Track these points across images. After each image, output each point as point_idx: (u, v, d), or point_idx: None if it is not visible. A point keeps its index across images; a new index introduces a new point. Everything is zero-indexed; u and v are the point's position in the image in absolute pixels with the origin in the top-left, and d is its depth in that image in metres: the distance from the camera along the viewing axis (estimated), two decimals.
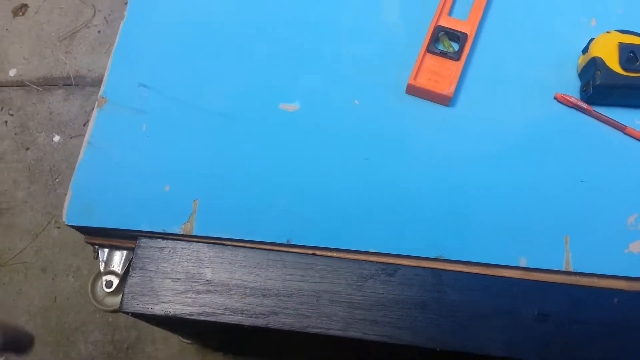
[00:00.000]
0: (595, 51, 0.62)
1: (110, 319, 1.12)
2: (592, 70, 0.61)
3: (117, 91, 0.65)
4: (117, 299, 0.64)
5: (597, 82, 0.60)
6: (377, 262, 0.57)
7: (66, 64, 1.39)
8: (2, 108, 1.35)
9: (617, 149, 0.61)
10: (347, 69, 0.66)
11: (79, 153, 0.63)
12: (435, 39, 0.66)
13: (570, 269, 0.56)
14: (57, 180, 1.26)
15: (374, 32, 0.68)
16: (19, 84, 1.37)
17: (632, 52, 0.61)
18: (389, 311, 0.56)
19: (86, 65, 1.38)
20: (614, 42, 0.62)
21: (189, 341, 1.04)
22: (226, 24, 0.69)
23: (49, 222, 1.22)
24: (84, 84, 1.36)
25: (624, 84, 0.60)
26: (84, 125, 1.29)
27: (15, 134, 1.32)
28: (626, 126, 0.62)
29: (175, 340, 1.10)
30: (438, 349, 0.54)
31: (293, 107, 0.64)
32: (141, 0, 0.70)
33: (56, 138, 1.31)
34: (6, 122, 1.33)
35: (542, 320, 0.55)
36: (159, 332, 1.12)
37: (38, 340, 1.12)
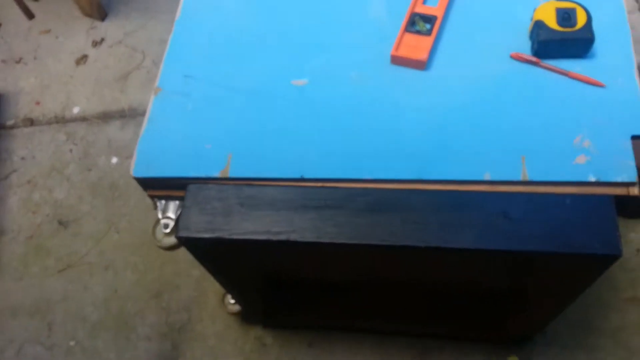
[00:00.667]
0: (538, 16, 0.78)
1: (164, 305, 1.29)
2: (536, 30, 0.77)
3: (168, 82, 0.85)
4: (172, 239, 0.81)
5: (540, 39, 0.76)
6: (372, 188, 0.73)
7: (121, 100, 1.63)
8: (68, 139, 1.59)
9: (563, 89, 0.76)
10: (345, 50, 0.84)
11: (141, 128, 0.82)
12: (412, 21, 0.84)
13: (527, 179, 0.70)
14: (116, 194, 1.47)
15: (365, 21, 0.86)
16: (81, 119, 1.62)
17: (566, 13, 0.77)
18: (383, 223, 0.70)
19: (138, 99, 1.63)
20: (552, 7, 0.78)
21: (235, 310, 1.18)
22: (247, 27, 0.88)
23: (110, 229, 1.42)
24: (136, 115, 1.59)
25: (560, 37, 0.75)
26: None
27: (79, 158, 1.54)
28: (568, 71, 0.76)
29: (221, 319, 1.25)
30: (423, 246, 0.68)
31: (302, 82, 0.82)
32: (184, 19, 0.91)
33: (114, 160, 1.53)
34: (71, 150, 1.57)
35: (506, 220, 0.68)
36: (206, 313, 1.27)
37: (102, 326, 1.29)
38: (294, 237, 0.71)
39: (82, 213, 1.45)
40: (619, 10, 0.81)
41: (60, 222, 1.44)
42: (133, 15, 1.84)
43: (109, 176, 1.50)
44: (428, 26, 0.83)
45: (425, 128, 0.75)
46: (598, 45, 0.77)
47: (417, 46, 0.81)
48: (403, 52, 0.81)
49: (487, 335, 1.21)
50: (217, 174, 0.76)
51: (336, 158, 0.75)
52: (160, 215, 0.80)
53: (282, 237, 0.71)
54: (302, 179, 0.74)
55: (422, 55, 0.80)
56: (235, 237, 0.72)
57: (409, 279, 0.89)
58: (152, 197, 0.81)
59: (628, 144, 0.70)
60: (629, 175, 0.68)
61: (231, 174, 0.75)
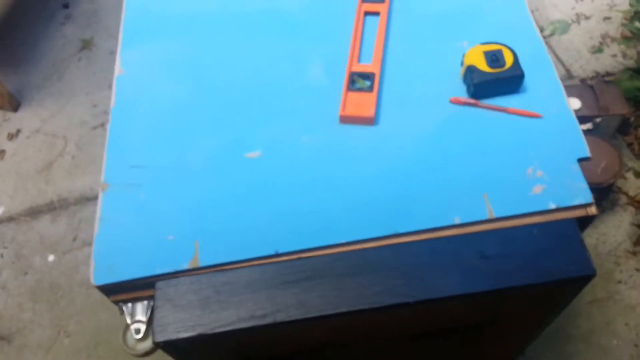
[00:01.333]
0: (468, 61, 0.82)
1: None
2: (469, 75, 0.82)
3: (114, 175, 0.81)
4: (147, 343, 0.75)
5: (475, 82, 0.80)
6: (349, 251, 0.72)
7: (47, 191, 1.53)
8: None
9: (505, 125, 0.80)
10: (293, 116, 0.84)
11: (94, 230, 0.77)
12: (352, 80, 0.86)
13: (494, 216, 0.72)
14: (59, 294, 1.36)
15: (307, 85, 0.87)
16: (8, 219, 1.50)
17: (494, 55, 0.82)
18: (367, 285, 0.69)
19: (66, 188, 1.54)
20: (480, 51, 0.83)
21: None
22: (189, 106, 0.87)
23: (59, 334, 1.30)
24: (67, 205, 1.50)
25: (493, 78, 0.80)
26: (74, 240, 1.42)
27: (12, 262, 1.42)
28: (507, 107, 0.81)
29: None
30: (412, 302, 0.68)
31: (256, 154, 0.81)
32: (120, 106, 0.88)
33: (50, 258, 1.42)
34: (2, 255, 1.44)
35: (483, 259, 0.70)
36: None
37: None
38: (280, 317, 0.68)
39: (25, 322, 1.33)
40: (538, 44, 0.87)
41: (2, 337, 1.30)
42: (48, 101, 1.76)
43: (48, 276, 1.39)
44: (368, 83, 0.86)
45: (389, 182, 0.76)
46: (528, 79, 0.82)
47: (362, 103, 0.83)
48: (350, 111, 0.82)
49: None
50: (186, 266, 0.72)
51: (308, 226, 0.73)
52: (129, 320, 0.75)
53: (269, 319, 0.68)
54: (277, 255, 0.72)
55: (369, 112, 0.82)
56: (218, 330, 0.68)
57: (395, 330, 0.89)
58: (116, 302, 0.76)
59: (577, 168, 0.74)
60: (585, 197, 0.72)
61: (202, 262, 0.72)
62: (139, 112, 0.87)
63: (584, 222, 0.73)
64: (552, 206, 0.72)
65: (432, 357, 1.16)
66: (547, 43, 1.90)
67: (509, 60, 0.81)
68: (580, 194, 0.72)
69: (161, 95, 0.89)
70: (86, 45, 1.96)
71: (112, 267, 0.73)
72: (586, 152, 0.76)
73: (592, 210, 0.72)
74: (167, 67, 0.92)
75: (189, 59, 0.92)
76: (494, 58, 0.81)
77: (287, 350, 0.92)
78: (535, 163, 0.76)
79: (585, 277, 0.68)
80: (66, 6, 2.09)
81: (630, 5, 1.53)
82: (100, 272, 0.72)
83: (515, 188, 0.74)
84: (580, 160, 0.76)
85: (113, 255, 0.74)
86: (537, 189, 0.74)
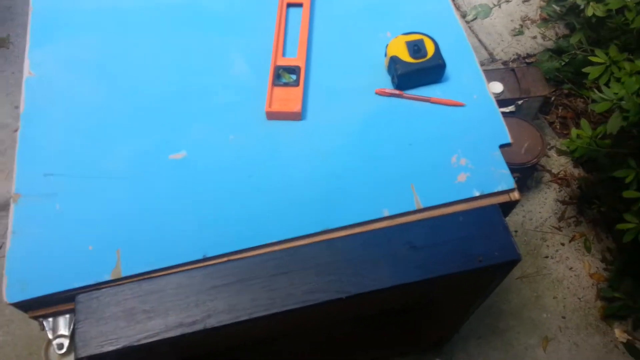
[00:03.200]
0: (391, 52, 0.82)
1: None
2: (393, 65, 0.82)
3: (26, 185, 0.75)
4: (70, 358, 0.71)
5: (398, 72, 0.81)
6: (280, 250, 0.71)
7: None
8: None
9: (429, 115, 0.81)
10: (218, 114, 0.81)
11: (6, 244, 0.71)
12: (277, 75, 0.84)
13: (421, 207, 0.73)
14: None
15: (232, 81, 0.85)
16: None
17: (416, 45, 0.82)
18: (299, 283, 0.69)
19: None
20: (402, 42, 0.83)
21: None
22: (105, 109, 0.82)
23: None
24: None
25: (416, 68, 0.81)
26: (0, 247, 1.33)
27: None
28: (430, 97, 0.82)
29: None
30: (344, 297, 0.68)
31: (181, 155, 0.78)
32: (30, 111, 0.82)
33: None
34: None
35: (413, 249, 0.71)
36: None
37: None
38: (210, 323, 0.66)
39: None
40: (459, 32, 0.89)
41: None
42: None
43: None
44: (294, 77, 0.84)
45: (318, 178, 0.75)
46: (449, 68, 0.83)
47: (288, 99, 0.81)
48: (277, 107, 0.80)
49: (411, 348, 1.24)
50: (108, 277, 0.68)
51: (237, 228, 0.72)
52: (50, 335, 0.70)
53: (198, 326, 0.66)
54: (206, 259, 0.70)
55: (296, 107, 0.80)
56: (144, 341, 0.65)
57: (330, 323, 0.89)
58: (35, 317, 0.71)
59: (498, 154, 0.76)
60: (507, 183, 0.74)
61: (124, 272, 0.69)
62: (52, 117, 0.82)
63: (508, 207, 0.76)
64: (477, 193, 0.74)
65: (374, 338, 1.17)
66: (469, 28, 1.95)
67: (430, 50, 0.82)
68: (503, 180, 0.74)
69: (75, 98, 0.83)
70: (2, 43, 1.83)
71: (27, 282, 0.68)
72: (507, 138, 0.78)
73: (515, 195, 0.74)
74: (81, 66, 0.86)
75: (104, 58, 0.87)
76: (415, 48, 0.82)
77: (227, 347, 0.90)
78: (459, 151, 0.77)
79: (510, 261, 0.71)
80: None
81: None
82: (14, 288, 0.68)
83: (441, 177, 0.75)
84: (502, 146, 0.78)
85: (27, 270, 0.69)
86: (462, 177, 0.75)
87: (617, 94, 1.00)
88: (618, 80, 1.07)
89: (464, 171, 0.75)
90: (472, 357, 1.26)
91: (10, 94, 1.70)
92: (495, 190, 0.74)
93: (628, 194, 1.03)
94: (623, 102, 0.98)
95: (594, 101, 1.07)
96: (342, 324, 0.99)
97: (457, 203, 0.74)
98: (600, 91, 1.06)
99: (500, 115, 0.81)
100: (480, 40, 1.92)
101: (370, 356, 1.22)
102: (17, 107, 1.67)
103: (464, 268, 0.69)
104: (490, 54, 1.88)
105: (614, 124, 0.99)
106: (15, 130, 1.61)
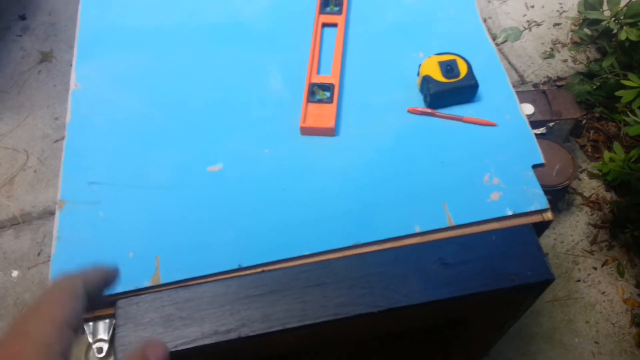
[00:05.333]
0: (424, 71, 0.84)
1: None
2: (425, 85, 0.83)
3: (71, 192, 0.79)
4: None
5: (431, 92, 0.82)
6: (312, 263, 0.72)
7: (10, 206, 1.49)
8: None
9: (461, 133, 0.82)
10: (254, 128, 0.84)
11: (51, 252, 0.75)
12: (311, 92, 0.86)
13: (453, 224, 0.74)
14: (23, 311, 1.31)
15: (268, 97, 0.88)
16: None
17: (449, 65, 0.84)
18: (331, 296, 0.70)
19: (29, 202, 1.49)
20: (435, 62, 0.85)
21: None
22: (147, 121, 0.86)
23: None
24: (30, 220, 1.46)
25: (449, 88, 0.82)
26: (38, 255, 1.38)
27: None
28: (462, 116, 0.83)
29: None
30: (376, 312, 0.69)
31: (218, 167, 0.81)
32: (76, 121, 0.86)
33: (14, 273, 1.38)
34: None
35: (444, 266, 0.71)
36: None
37: None
38: (244, 332, 0.68)
39: None
40: (491, 53, 0.90)
41: None
42: (7, 115, 1.71)
43: (12, 292, 1.35)
44: (328, 94, 0.86)
45: (350, 192, 0.77)
46: (482, 88, 0.84)
47: (322, 115, 0.84)
48: (311, 123, 0.83)
49: None
50: (147, 283, 0.71)
51: (271, 239, 0.73)
52: (90, 339, 0.73)
53: (233, 335, 0.67)
54: (241, 269, 0.72)
55: (330, 123, 0.82)
56: (181, 347, 0.67)
57: (359, 339, 0.89)
58: None
59: (531, 174, 0.77)
60: (540, 203, 0.74)
61: (163, 279, 0.71)
62: (97, 127, 0.86)
63: (541, 227, 0.76)
64: (509, 212, 0.74)
65: (402, 358, 1.17)
66: (500, 50, 1.96)
67: (463, 70, 0.83)
68: (536, 200, 0.75)
69: (119, 109, 0.87)
70: (46, 57, 1.92)
71: None
72: (540, 158, 0.79)
73: (548, 215, 0.74)
74: (125, 80, 0.91)
75: (147, 72, 0.91)
76: (448, 68, 0.83)
77: (256, 358, 0.91)
78: (492, 170, 0.78)
79: (543, 282, 0.70)
80: (23, 18, 2.03)
81: (579, 12, 1.59)
82: None
83: (473, 195, 0.76)
84: (534, 166, 0.78)
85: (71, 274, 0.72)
86: (494, 195, 0.76)
87: None
88: None
89: (496, 190, 0.76)
90: None
91: (51, 105, 1.78)
92: (529, 210, 0.74)
93: None
94: None
95: (626, 124, 1.07)
96: (371, 341, 0.99)
97: (489, 222, 0.74)
98: (634, 114, 1.06)
99: (533, 136, 0.81)
100: (510, 63, 1.92)
101: None
102: (57, 119, 1.75)
103: (495, 286, 0.70)
104: (521, 77, 1.88)
105: None
106: (55, 141, 1.68)
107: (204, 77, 0.90)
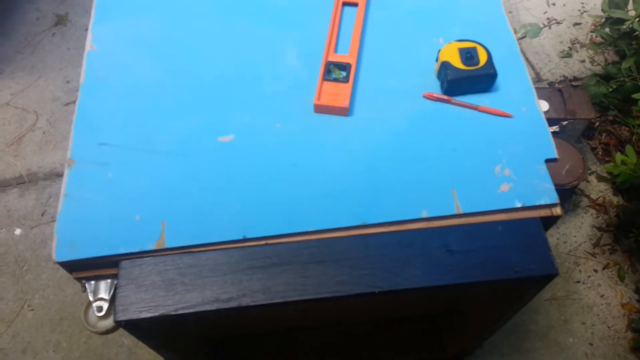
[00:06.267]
0: (443, 57, 0.83)
1: None
2: (443, 71, 0.83)
3: (81, 152, 0.79)
4: (108, 321, 0.74)
5: (449, 78, 0.81)
6: (316, 240, 0.72)
7: (17, 165, 1.49)
8: None
9: (476, 123, 0.81)
10: (267, 102, 0.84)
11: (57, 207, 0.75)
12: (328, 70, 0.86)
13: (461, 212, 0.73)
14: (24, 268, 1.33)
15: (284, 72, 0.87)
16: None
17: (469, 52, 0.83)
18: (332, 274, 0.70)
19: (36, 163, 1.50)
20: (455, 48, 0.84)
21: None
22: (161, 87, 0.85)
23: (22, 307, 1.27)
24: (36, 180, 1.46)
25: (467, 75, 0.81)
26: (42, 215, 1.39)
27: None
28: (478, 105, 0.82)
29: None
30: (377, 292, 0.69)
31: (229, 138, 0.80)
32: (90, 82, 0.86)
33: (17, 231, 1.39)
34: None
35: (448, 253, 0.71)
36: None
37: None
38: (245, 301, 0.68)
39: None
40: (512, 44, 0.89)
41: None
42: (19, 75, 1.71)
43: (14, 249, 1.36)
44: (344, 73, 0.86)
45: (359, 173, 0.77)
46: (500, 78, 0.83)
47: (337, 93, 0.83)
48: (325, 101, 0.82)
49: (432, 357, 1.24)
50: (152, 246, 0.71)
51: (277, 213, 0.73)
52: (91, 298, 0.73)
53: (233, 303, 0.68)
54: (245, 239, 0.72)
55: (344, 102, 0.82)
56: (181, 311, 0.67)
57: (356, 317, 0.90)
58: (79, 279, 0.74)
59: (544, 168, 0.76)
60: (550, 197, 0.74)
61: (168, 244, 0.71)
62: (110, 89, 0.85)
63: (549, 222, 0.75)
64: (518, 205, 0.74)
65: (396, 343, 1.17)
66: (518, 45, 1.94)
67: (482, 58, 0.82)
68: (546, 194, 0.74)
69: (133, 73, 0.87)
70: (61, 20, 1.91)
71: (75, 244, 0.71)
72: (554, 153, 0.78)
73: (557, 210, 0.74)
74: (140, 45, 0.90)
75: (164, 38, 0.91)
76: (468, 56, 0.82)
77: (251, 331, 0.92)
78: (504, 161, 0.77)
79: (547, 276, 0.70)
80: None
81: (603, 10, 1.57)
82: (63, 248, 0.71)
83: (483, 185, 0.75)
84: (547, 161, 0.77)
85: (77, 232, 0.72)
86: (505, 187, 0.75)
87: None
88: None
89: (507, 181, 0.76)
90: None
91: (64, 68, 1.77)
92: (538, 204, 0.74)
93: None
94: None
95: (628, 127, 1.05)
96: (367, 323, 1.00)
97: (497, 212, 0.74)
98: None
99: (548, 130, 0.81)
100: (527, 59, 1.90)
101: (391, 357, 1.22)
102: (68, 82, 1.74)
103: (498, 277, 0.69)
104: (537, 74, 1.86)
105: None
106: (66, 104, 1.67)
107: (219, 48, 0.90)
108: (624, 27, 1.52)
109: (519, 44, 1.94)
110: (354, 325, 1.05)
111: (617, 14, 1.46)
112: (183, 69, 0.87)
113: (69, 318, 1.24)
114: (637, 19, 1.44)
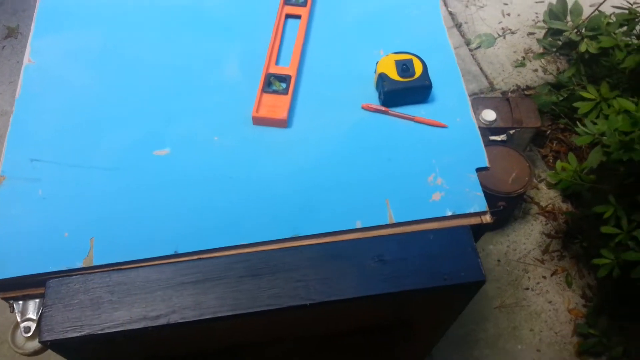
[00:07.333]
0: (380, 69, 0.84)
1: None
2: (380, 82, 0.84)
3: (13, 168, 0.77)
4: (35, 342, 0.72)
5: (385, 89, 0.83)
6: (250, 253, 0.72)
7: None
8: None
9: (411, 133, 0.82)
10: (206, 115, 0.83)
11: None
12: (267, 82, 0.86)
13: (394, 221, 0.74)
14: None
15: (223, 84, 0.87)
16: None
17: (405, 64, 0.84)
18: (266, 287, 0.69)
19: None
20: (392, 60, 0.85)
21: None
22: (97, 101, 0.84)
23: None
24: None
25: (402, 87, 0.82)
26: None
27: None
28: (414, 116, 0.84)
29: None
30: (309, 304, 0.69)
31: (164, 152, 0.80)
32: (25, 97, 0.84)
33: None
34: None
35: (381, 263, 0.72)
36: None
37: None
38: (174, 318, 0.67)
39: None
40: (449, 56, 0.91)
41: None
42: None
43: None
44: (284, 85, 0.86)
45: (295, 185, 0.77)
46: (436, 89, 0.85)
47: (276, 105, 0.83)
48: (264, 113, 0.82)
49: None
50: (79, 264, 0.70)
51: (210, 227, 0.73)
52: (19, 318, 0.71)
53: (162, 321, 0.67)
54: (177, 255, 0.71)
55: (282, 115, 0.82)
56: (108, 330, 0.66)
57: (298, 332, 0.89)
58: (6, 299, 0.72)
59: (474, 177, 0.78)
60: (480, 205, 0.75)
61: (96, 261, 0.70)
62: (45, 104, 0.84)
63: (479, 229, 0.77)
64: (449, 213, 0.75)
65: (348, 356, 1.17)
66: (473, 55, 1.98)
67: (418, 70, 0.84)
68: (476, 202, 0.76)
69: (70, 87, 0.85)
70: (11, 32, 1.87)
71: (2, 263, 0.69)
72: (485, 162, 0.80)
73: (487, 218, 0.75)
74: (80, 58, 0.89)
75: (103, 51, 0.89)
76: (404, 67, 0.84)
77: (193, 350, 0.90)
78: (437, 171, 0.78)
79: (475, 282, 0.71)
80: None
81: (544, 21, 1.61)
82: None
83: (416, 194, 0.76)
84: (478, 169, 0.79)
85: (4, 250, 0.70)
86: (436, 195, 0.76)
87: (599, 129, 1.02)
88: (607, 117, 1.09)
89: (439, 190, 0.77)
90: None
91: (13, 82, 1.74)
92: (468, 212, 0.75)
93: (606, 229, 1.04)
94: (604, 138, 1.00)
95: (577, 134, 1.09)
96: (311, 339, 0.99)
97: (429, 221, 0.75)
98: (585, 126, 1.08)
99: (481, 140, 0.82)
100: (481, 69, 1.94)
101: None
102: None
103: (429, 285, 0.70)
104: (491, 83, 1.91)
105: (594, 158, 1.01)
106: None
107: (159, 60, 0.89)
108: (564, 37, 1.57)
109: (474, 55, 1.99)
110: (305, 340, 1.04)
111: (556, 24, 1.51)
112: (121, 82, 0.86)
113: (7, 342, 1.20)
114: (575, 30, 1.49)
